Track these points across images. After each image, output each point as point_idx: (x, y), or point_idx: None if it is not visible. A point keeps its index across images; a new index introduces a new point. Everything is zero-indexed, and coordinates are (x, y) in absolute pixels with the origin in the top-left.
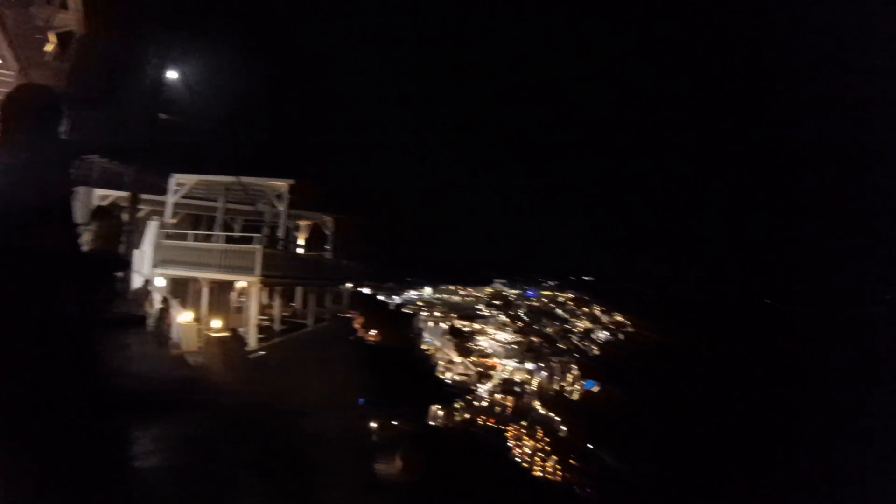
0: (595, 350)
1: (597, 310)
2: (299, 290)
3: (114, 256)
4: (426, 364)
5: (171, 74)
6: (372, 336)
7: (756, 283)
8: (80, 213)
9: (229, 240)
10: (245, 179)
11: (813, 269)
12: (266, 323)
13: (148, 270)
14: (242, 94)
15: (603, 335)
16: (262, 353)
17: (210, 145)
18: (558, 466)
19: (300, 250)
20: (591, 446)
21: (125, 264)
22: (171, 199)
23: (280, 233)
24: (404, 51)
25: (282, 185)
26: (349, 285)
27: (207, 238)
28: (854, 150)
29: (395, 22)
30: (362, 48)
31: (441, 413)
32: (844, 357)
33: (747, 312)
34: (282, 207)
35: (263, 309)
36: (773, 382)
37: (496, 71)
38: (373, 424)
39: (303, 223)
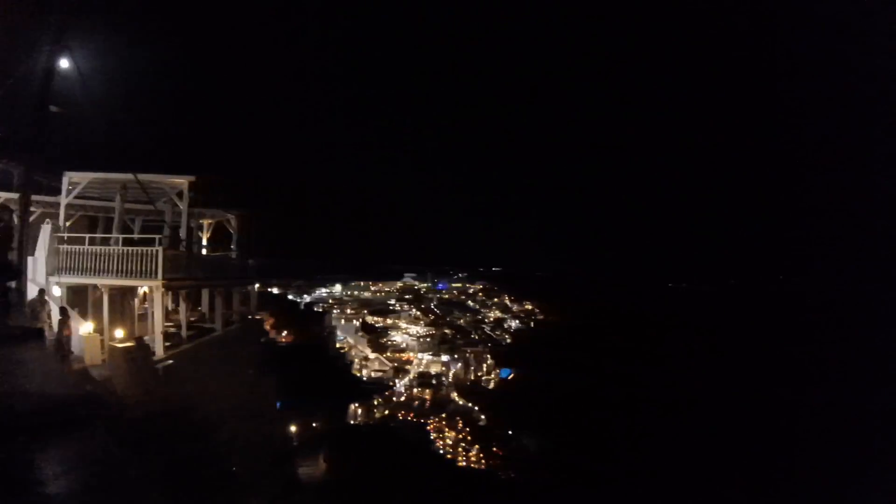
0: (508, 338)
1: (507, 299)
2: (205, 293)
3: (4, 264)
4: (341, 362)
5: (65, 64)
6: (284, 337)
7: (656, 266)
8: None
9: (129, 242)
10: (143, 176)
11: (711, 250)
12: (172, 329)
13: (43, 279)
14: (140, 85)
15: (514, 323)
16: (171, 361)
17: (105, 141)
18: (482, 454)
19: (204, 251)
20: (511, 432)
21: (17, 273)
22: (64, 199)
23: (182, 233)
24: (313, 35)
25: (182, 181)
26: (257, 286)
27: (105, 241)
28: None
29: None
30: (266, 35)
31: (360, 411)
32: (736, 330)
33: (650, 293)
34: (183, 206)
35: (169, 315)
36: (675, 357)
37: (415, 59)
38: (292, 427)
39: (206, 222)
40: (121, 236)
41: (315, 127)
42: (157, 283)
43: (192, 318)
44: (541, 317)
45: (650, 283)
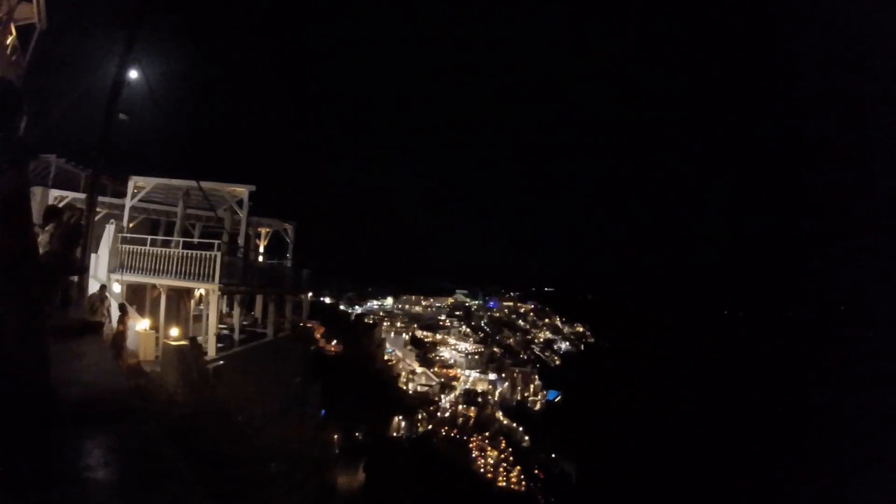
0: (557, 360)
1: (558, 320)
2: (259, 299)
3: (70, 260)
4: (388, 374)
5: (133, 74)
6: (333, 346)
7: (711, 295)
8: (36, 214)
9: (188, 246)
10: (205, 184)
11: (763, 277)
12: (225, 332)
13: (104, 275)
14: (206, 97)
15: (564, 345)
16: (221, 362)
17: (170, 148)
18: (522, 476)
19: (260, 258)
20: (553, 456)
21: (81, 269)
22: (129, 202)
23: (240, 240)
24: (384, 53)
25: (242, 190)
26: (310, 295)
27: (166, 243)
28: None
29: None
30: (332, 52)
31: (403, 423)
32: (786, 358)
33: (705, 323)
34: (242, 214)
35: (222, 317)
36: (731, 384)
37: (471, 80)
38: (334, 435)
39: (263, 230)
40: (181, 239)
41: (376, 144)
42: (214, 286)
43: (245, 323)
44: (591, 340)
45: (705, 312)
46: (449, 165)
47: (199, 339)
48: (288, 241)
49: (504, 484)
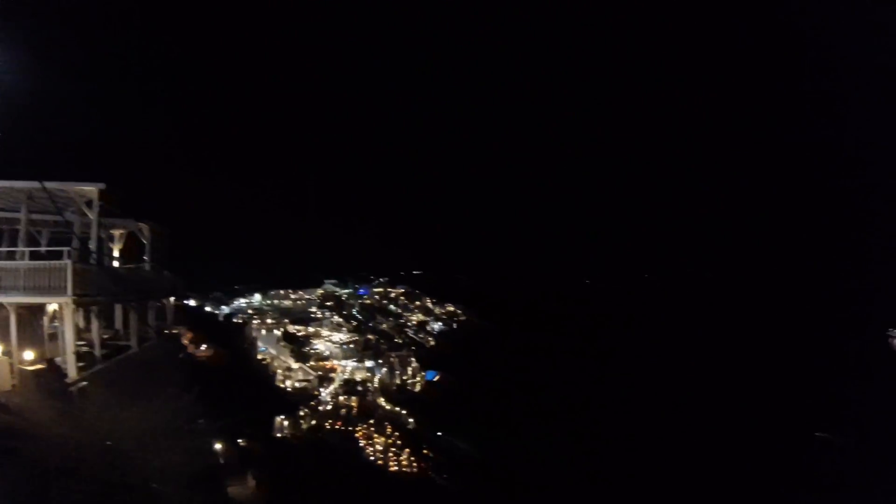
0: (431, 341)
1: (429, 302)
2: (119, 309)
3: None
4: (264, 374)
5: None
6: (203, 352)
7: (572, 265)
8: None
9: (36, 256)
10: (49, 185)
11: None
12: (85, 349)
13: None
14: (46, 89)
15: (437, 326)
16: (85, 383)
17: (9, 147)
18: (413, 458)
19: (116, 263)
20: (440, 434)
21: None
22: None
23: (92, 245)
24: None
25: (91, 189)
26: (172, 299)
27: (10, 255)
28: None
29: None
30: (178, 34)
31: (286, 423)
32: (649, 323)
33: (567, 292)
34: (93, 216)
35: (81, 333)
36: (596, 356)
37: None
38: (217, 446)
39: (117, 232)
40: (27, 249)
41: (235, 135)
42: (67, 299)
43: (106, 336)
44: (463, 318)
45: (569, 280)
46: (305, 154)
47: (58, 360)
48: (144, 242)
49: (396, 468)
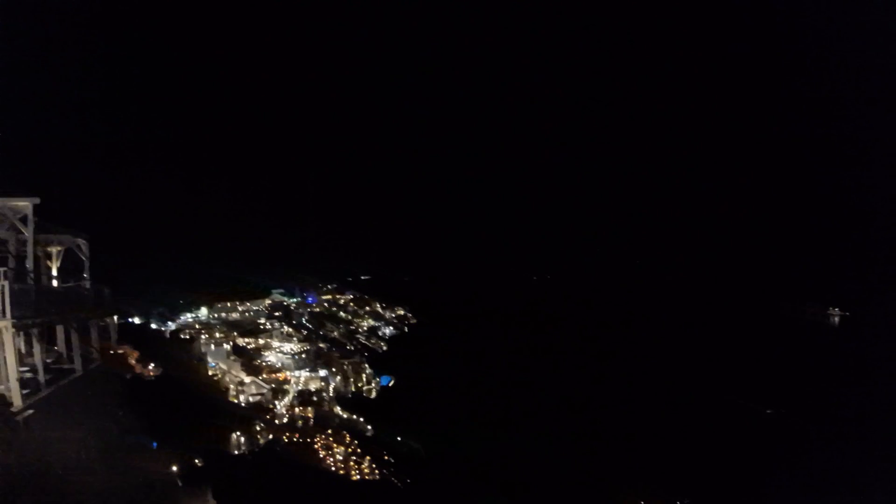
0: (384, 346)
1: (378, 306)
2: (60, 330)
3: None
4: (215, 390)
5: None
6: (151, 370)
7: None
8: None
9: None
10: None
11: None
12: (28, 375)
13: None
14: None
15: (388, 330)
16: (31, 411)
17: None
18: (374, 464)
19: (55, 282)
20: (399, 438)
21: None
22: None
23: (29, 263)
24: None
25: (25, 204)
26: (116, 317)
27: None
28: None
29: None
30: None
31: (242, 439)
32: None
33: (515, 288)
34: (28, 232)
35: (23, 358)
36: (547, 350)
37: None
38: (173, 467)
39: (54, 249)
40: None
41: (173, 142)
42: (6, 322)
43: (49, 360)
44: (414, 321)
45: (516, 276)
46: (248, 160)
47: (0, 388)
48: (83, 258)
49: (358, 476)
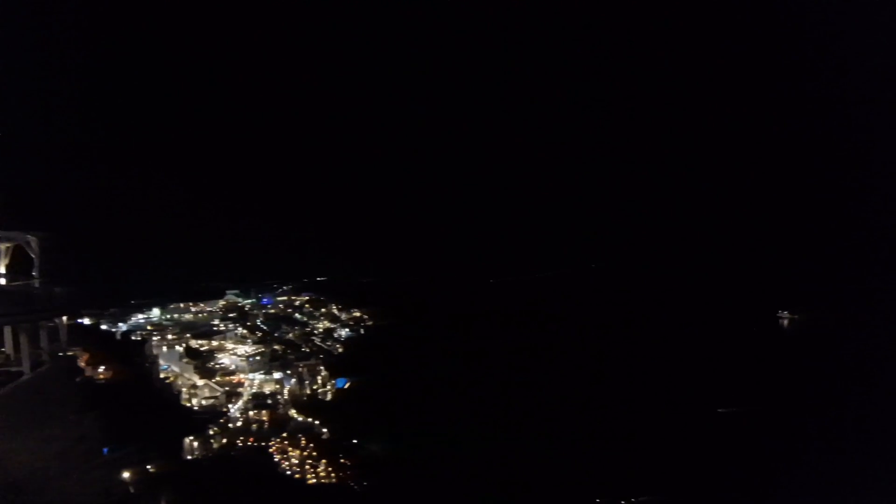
0: (339, 348)
1: (335, 308)
2: (8, 331)
3: None
4: (168, 394)
5: None
6: (102, 373)
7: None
8: None
9: None
10: None
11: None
12: None
13: None
14: None
15: (344, 332)
16: None
17: None
18: (330, 468)
19: (2, 281)
20: (356, 441)
21: None
22: None
23: None
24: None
25: None
26: (65, 318)
27: None
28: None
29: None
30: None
31: (196, 444)
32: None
33: (473, 289)
34: None
35: None
36: (504, 349)
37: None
38: (125, 474)
39: (2, 247)
40: None
41: (118, 140)
42: None
43: None
44: (370, 323)
45: (476, 278)
46: (202, 158)
47: None
48: (32, 256)
49: (315, 480)
